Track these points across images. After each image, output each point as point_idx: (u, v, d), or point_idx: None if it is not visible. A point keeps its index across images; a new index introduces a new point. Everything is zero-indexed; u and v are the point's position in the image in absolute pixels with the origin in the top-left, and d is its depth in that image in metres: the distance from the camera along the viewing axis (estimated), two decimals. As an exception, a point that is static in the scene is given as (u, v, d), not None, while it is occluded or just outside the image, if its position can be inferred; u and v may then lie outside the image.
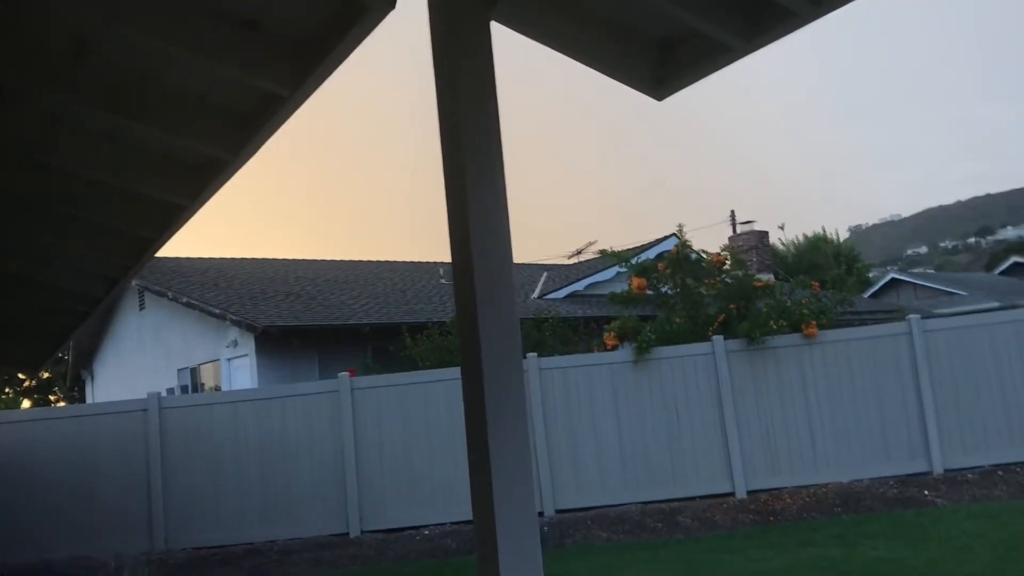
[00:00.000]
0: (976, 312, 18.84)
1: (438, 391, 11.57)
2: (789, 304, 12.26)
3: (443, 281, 19.96)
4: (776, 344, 11.66)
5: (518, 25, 2.53)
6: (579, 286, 19.58)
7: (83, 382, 24.28)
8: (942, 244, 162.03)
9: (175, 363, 17.66)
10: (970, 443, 11.35)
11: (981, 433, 11.37)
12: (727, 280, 13.35)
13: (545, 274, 21.34)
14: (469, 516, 10.85)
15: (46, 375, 28.84)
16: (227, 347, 15.55)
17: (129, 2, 2.74)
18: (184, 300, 15.95)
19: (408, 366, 13.46)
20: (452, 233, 2.24)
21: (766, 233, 24.21)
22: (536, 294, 19.13)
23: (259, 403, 11.68)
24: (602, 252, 15.64)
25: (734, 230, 25.37)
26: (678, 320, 12.80)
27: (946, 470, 11.22)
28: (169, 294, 16.41)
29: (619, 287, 14.92)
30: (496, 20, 2.40)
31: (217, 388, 15.89)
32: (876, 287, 36.39)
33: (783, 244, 42.15)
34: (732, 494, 11.29)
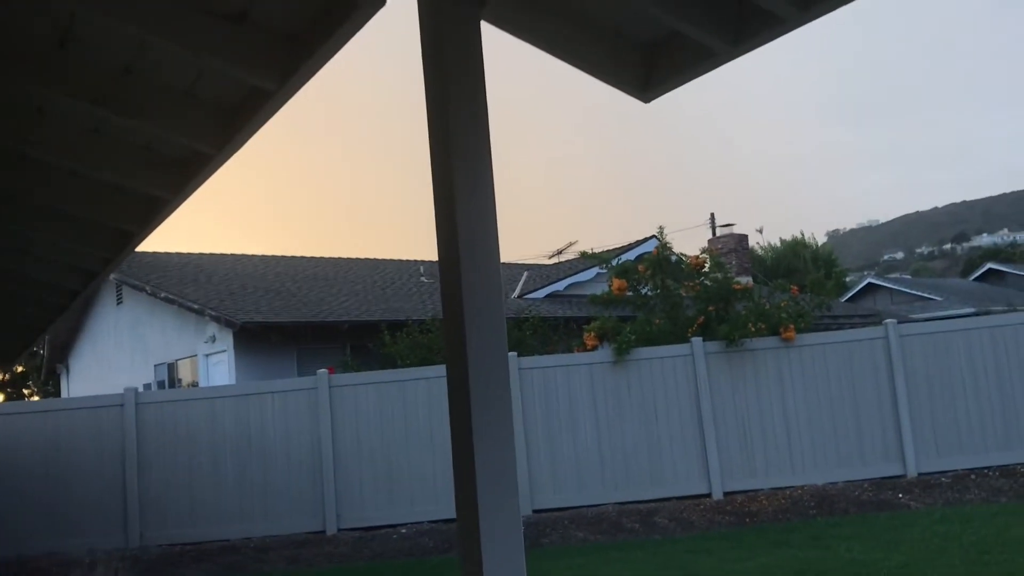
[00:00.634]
0: (952, 317, 19.03)
1: (417, 389, 11.56)
2: (768, 307, 12.36)
3: (423, 279, 19.93)
4: (754, 347, 11.74)
5: (506, 25, 2.54)
6: (559, 286, 19.62)
7: (58, 376, 24.03)
8: (919, 250, 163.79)
9: (152, 358, 17.53)
10: (944, 447, 11.49)
11: (955, 437, 11.50)
12: (706, 282, 13.43)
13: (525, 274, 21.35)
14: (447, 515, 10.93)
15: (20, 369, 28.53)
16: (205, 343, 15.45)
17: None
18: (162, 295, 15.83)
19: (387, 364, 13.44)
20: (440, 230, 2.24)
21: (745, 236, 24.35)
22: (516, 293, 19.14)
23: (237, 399, 11.61)
24: (583, 254, 15.70)
25: (714, 233, 25.51)
26: (658, 321, 12.87)
27: (920, 473, 11.35)
28: (147, 289, 16.27)
29: (599, 288, 14.98)
30: (485, 20, 2.40)
31: (195, 384, 15.79)
32: (853, 291, 36.72)
33: (762, 247, 42.45)
34: (709, 495, 11.35)
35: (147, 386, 16.66)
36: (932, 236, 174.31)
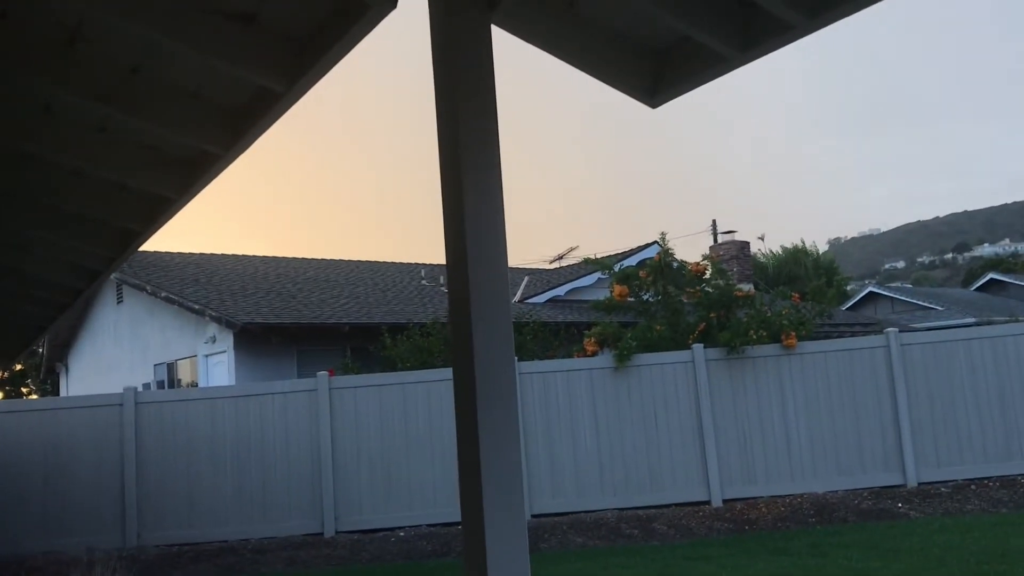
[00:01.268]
0: (952, 327, 19.01)
1: (417, 393, 11.55)
2: (769, 314, 12.35)
3: (424, 282, 19.94)
4: (755, 354, 11.74)
5: (516, 29, 2.54)
6: (560, 291, 19.62)
7: (57, 375, 24.02)
8: (920, 259, 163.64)
9: (152, 358, 17.51)
10: (944, 457, 11.48)
11: (955, 447, 11.50)
12: (708, 289, 13.43)
13: (526, 278, 21.35)
14: (446, 519, 10.92)
15: (19, 367, 28.50)
16: (205, 343, 15.45)
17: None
18: (163, 295, 15.82)
19: (388, 367, 13.43)
20: (448, 233, 2.24)
21: (747, 243, 24.33)
22: (517, 298, 19.14)
23: (236, 400, 11.60)
24: (585, 260, 15.71)
25: (715, 239, 25.47)
26: (659, 328, 12.85)
27: (920, 483, 11.33)
28: (148, 288, 16.27)
29: (600, 293, 14.98)
30: (495, 23, 2.40)
31: (194, 384, 15.78)
32: (854, 300, 36.71)
33: (763, 255, 42.42)
34: (708, 502, 11.34)
35: (146, 386, 16.65)
36: (933, 245, 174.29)
